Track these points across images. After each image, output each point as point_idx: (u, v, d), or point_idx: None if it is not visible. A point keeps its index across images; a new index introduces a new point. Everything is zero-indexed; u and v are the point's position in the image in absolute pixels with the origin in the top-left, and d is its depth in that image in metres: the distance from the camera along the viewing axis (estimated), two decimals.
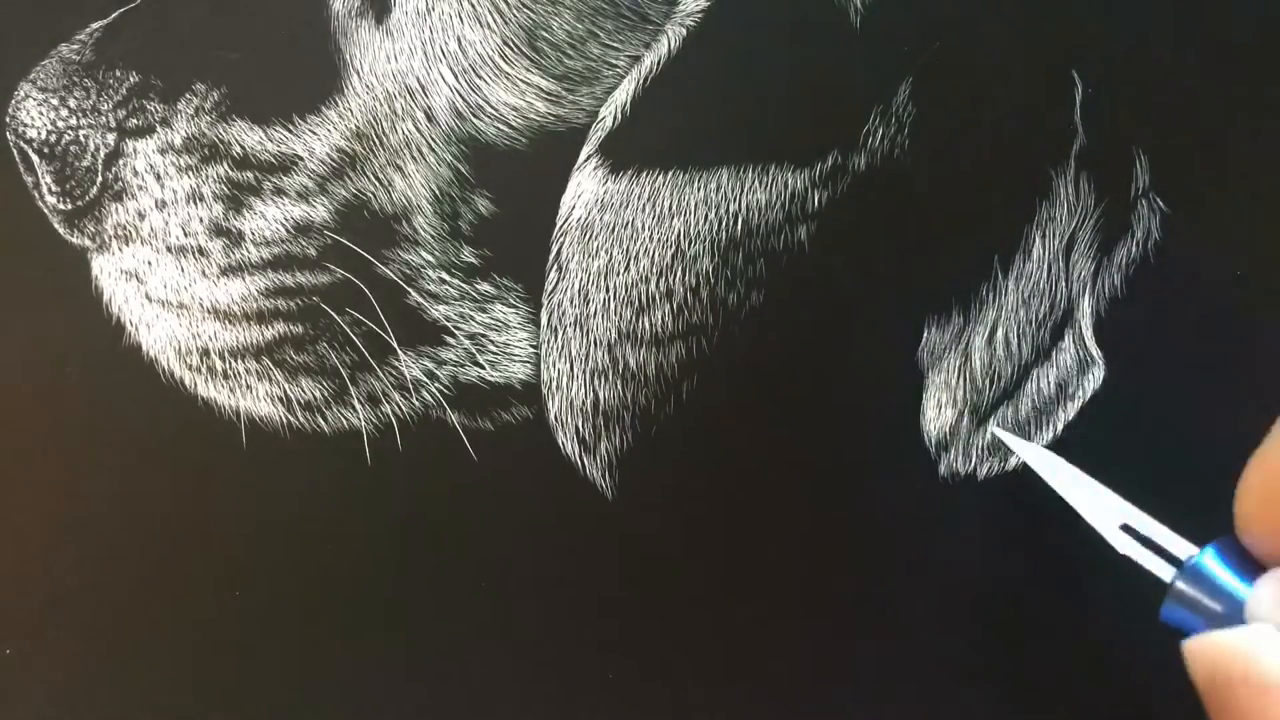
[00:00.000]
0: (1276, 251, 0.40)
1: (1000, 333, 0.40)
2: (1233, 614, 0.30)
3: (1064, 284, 0.40)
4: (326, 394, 0.41)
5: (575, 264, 0.40)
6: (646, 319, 0.40)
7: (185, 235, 0.41)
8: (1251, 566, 0.30)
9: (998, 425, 0.40)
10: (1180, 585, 0.31)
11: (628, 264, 0.40)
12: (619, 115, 0.40)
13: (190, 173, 0.41)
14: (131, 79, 0.41)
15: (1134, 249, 0.40)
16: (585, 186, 0.40)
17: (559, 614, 0.42)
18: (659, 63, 0.40)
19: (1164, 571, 0.32)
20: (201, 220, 0.41)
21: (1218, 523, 0.30)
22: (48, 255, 0.42)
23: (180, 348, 0.42)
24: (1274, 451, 0.29)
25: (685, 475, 0.41)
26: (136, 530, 0.43)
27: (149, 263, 0.41)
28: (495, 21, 0.40)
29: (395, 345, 0.41)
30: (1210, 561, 0.31)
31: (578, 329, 0.41)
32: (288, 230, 0.41)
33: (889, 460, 0.41)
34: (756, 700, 0.42)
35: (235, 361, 0.41)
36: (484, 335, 0.41)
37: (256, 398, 0.42)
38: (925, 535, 0.41)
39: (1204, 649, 0.29)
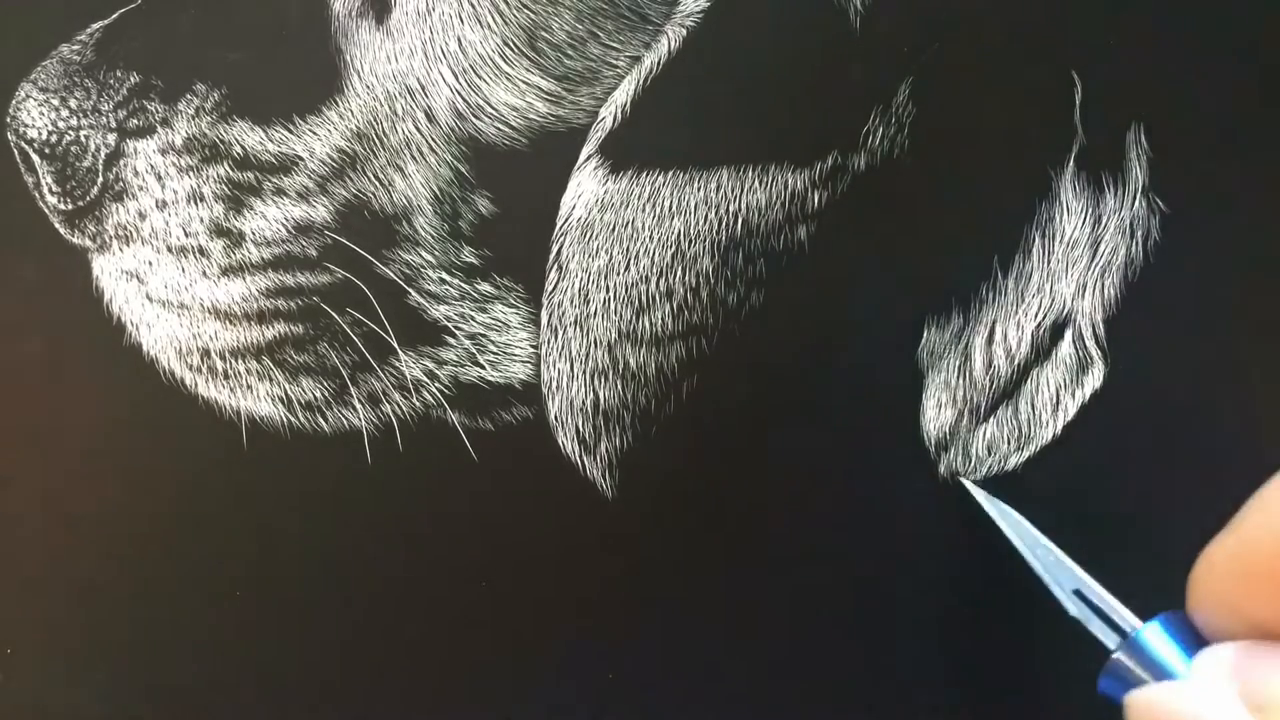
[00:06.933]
0: (1277, 251, 0.40)
1: (1000, 332, 0.40)
2: None
3: (1064, 284, 0.40)
4: (327, 394, 0.41)
5: (575, 264, 0.40)
6: (646, 319, 0.40)
7: (186, 235, 0.41)
8: (1196, 643, 0.29)
9: (971, 477, 0.40)
10: (1120, 656, 0.31)
11: (628, 264, 0.40)
12: (619, 115, 0.40)
13: (191, 173, 0.41)
14: (132, 79, 0.41)
15: (1134, 249, 0.40)
16: (585, 186, 0.40)
17: (559, 614, 0.42)
18: (659, 63, 0.40)
19: (1110, 640, 0.32)
20: (202, 220, 0.41)
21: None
22: (48, 255, 0.42)
23: (181, 348, 0.42)
24: (1243, 533, 0.28)
25: (685, 475, 0.41)
26: (136, 530, 0.43)
27: (150, 263, 0.41)
28: (495, 22, 0.40)
29: (395, 345, 0.41)
30: (1154, 635, 0.30)
31: (578, 329, 0.41)
32: (288, 230, 0.41)
33: (889, 460, 0.41)
34: (756, 700, 0.42)
35: (236, 361, 0.41)
36: (484, 335, 0.41)
37: (257, 398, 0.42)
38: (925, 535, 0.41)
39: (1145, 704, 0.29)
